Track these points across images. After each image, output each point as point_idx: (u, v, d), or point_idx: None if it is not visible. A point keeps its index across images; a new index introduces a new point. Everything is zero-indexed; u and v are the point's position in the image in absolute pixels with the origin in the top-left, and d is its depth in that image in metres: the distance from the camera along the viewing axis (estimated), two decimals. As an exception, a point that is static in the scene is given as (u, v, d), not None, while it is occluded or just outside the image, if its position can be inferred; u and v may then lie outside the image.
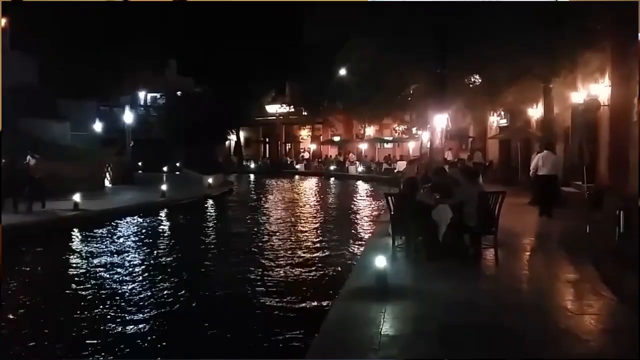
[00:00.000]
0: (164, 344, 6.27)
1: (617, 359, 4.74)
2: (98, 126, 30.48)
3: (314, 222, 16.16)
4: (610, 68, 13.55)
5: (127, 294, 8.27)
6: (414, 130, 34.83)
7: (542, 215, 12.83)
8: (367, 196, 25.35)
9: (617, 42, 12.59)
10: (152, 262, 10.56)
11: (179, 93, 45.18)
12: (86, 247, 11.94)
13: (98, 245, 12.12)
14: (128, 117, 27.34)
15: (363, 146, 44.81)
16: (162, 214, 17.53)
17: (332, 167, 41.19)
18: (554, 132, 16.23)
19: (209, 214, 19.39)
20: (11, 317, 7.19)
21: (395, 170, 29.89)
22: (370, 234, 12.36)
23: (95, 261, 10.51)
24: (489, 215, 8.24)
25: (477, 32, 12.81)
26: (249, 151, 52.71)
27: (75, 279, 9.19)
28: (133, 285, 8.80)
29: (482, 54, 13.63)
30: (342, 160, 42.60)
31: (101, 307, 7.56)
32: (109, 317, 7.16)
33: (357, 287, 6.79)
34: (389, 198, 8.76)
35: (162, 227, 15.71)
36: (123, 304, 7.74)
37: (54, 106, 24.45)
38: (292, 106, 47.70)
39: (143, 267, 10.08)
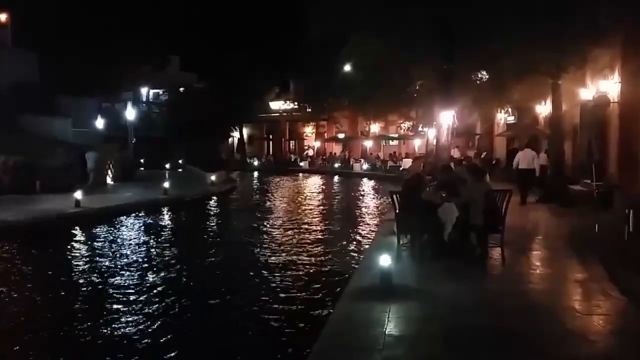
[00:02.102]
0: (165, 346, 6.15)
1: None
2: (100, 123, 30.40)
3: (317, 222, 15.99)
4: (619, 64, 13.36)
5: (125, 292, 8.16)
6: (420, 127, 34.62)
7: (523, 204, 13.97)
8: (372, 194, 25.20)
9: (626, 38, 12.39)
10: (151, 261, 10.45)
11: (181, 89, 45.09)
12: (87, 245, 11.84)
13: (98, 243, 12.00)
14: (130, 113, 27.25)
15: (368, 143, 44.64)
16: (164, 211, 17.39)
17: (336, 165, 41.01)
18: (562, 129, 16.02)
19: (211, 211, 19.27)
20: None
21: (401, 168, 29.73)
22: (374, 232, 12.20)
23: (95, 259, 10.39)
24: (496, 213, 8.12)
25: (484, 28, 12.64)
26: (252, 148, 52.60)
27: (73, 277, 9.11)
28: (133, 284, 8.70)
29: (488, 50, 13.46)
30: (347, 158, 42.45)
31: (98, 305, 7.46)
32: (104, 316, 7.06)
33: (362, 286, 6.70)
34: (394, 196, 8.64)
35: (163, 225, 15.54)
36: (120, 302, 7.64)
37: (55, 103, 24.39)
38: (296, 103, 47.31)
39: (141, 267, 9.95)
